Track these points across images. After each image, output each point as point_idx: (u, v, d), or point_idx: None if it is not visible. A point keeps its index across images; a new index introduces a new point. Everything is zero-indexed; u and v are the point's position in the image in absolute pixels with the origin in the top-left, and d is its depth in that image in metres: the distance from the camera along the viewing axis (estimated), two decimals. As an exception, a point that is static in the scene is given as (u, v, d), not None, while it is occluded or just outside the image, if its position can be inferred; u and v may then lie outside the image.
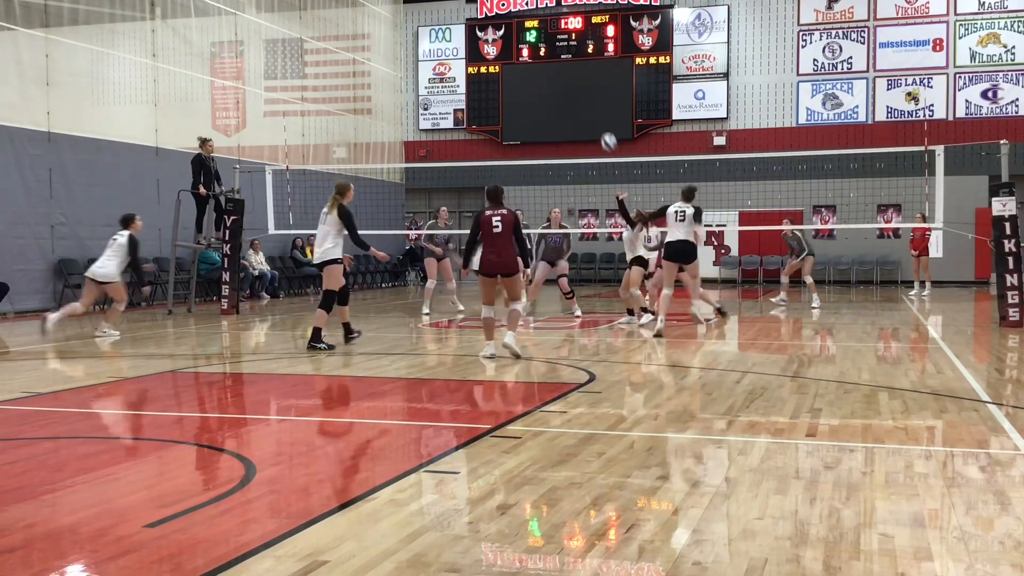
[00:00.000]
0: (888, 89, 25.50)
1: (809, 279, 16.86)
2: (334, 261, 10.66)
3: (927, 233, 18.50)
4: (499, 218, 9.58)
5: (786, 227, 17.41)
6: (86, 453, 5.68)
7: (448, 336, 12.79)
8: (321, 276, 10.99)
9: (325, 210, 10.71)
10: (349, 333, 11.13)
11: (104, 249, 12.83)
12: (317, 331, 10.65)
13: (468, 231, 10.26)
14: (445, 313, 15.51)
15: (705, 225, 12.91)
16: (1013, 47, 24.70)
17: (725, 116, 26.60)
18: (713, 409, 6.92)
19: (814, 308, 16.14)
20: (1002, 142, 13.93)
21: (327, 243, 10.65)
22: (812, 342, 12.13)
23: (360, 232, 11.11)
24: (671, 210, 12.12)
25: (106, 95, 18.74)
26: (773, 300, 17.62)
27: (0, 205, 15.31)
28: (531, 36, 27.75)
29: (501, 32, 28.04)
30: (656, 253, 13.65)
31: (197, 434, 6.44)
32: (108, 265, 12.57)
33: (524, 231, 10.44)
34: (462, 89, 28.54)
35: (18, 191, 15.64)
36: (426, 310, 15.24)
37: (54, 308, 16.15)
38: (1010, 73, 24.70)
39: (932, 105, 25.13)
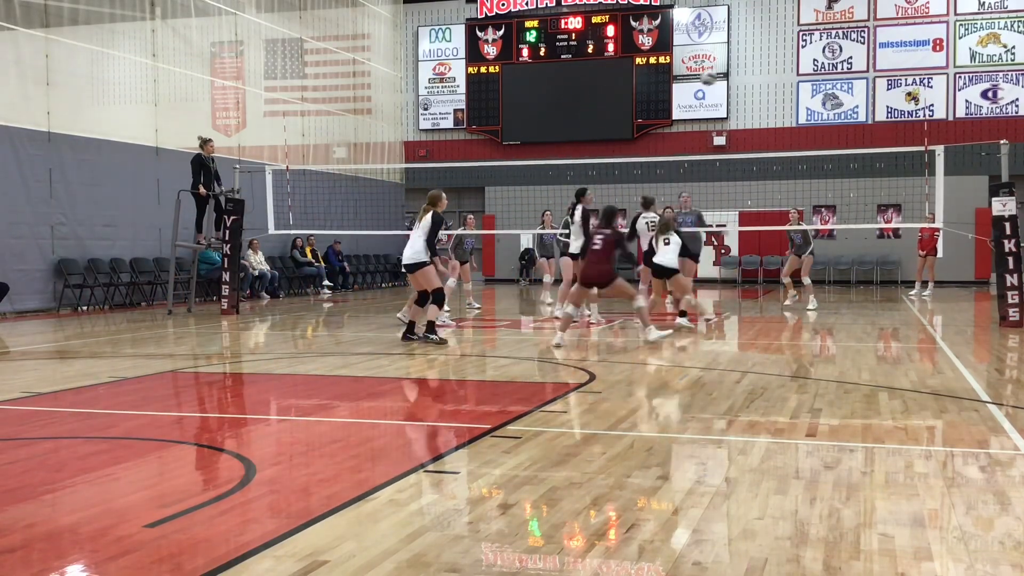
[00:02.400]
0: (888, 89, 25.50)
1: (807, 280, 16.46)
2: (423, 264, 11.14)
3: (936, 233, 18.41)
4: (601, 236, 10.78)
5: (793, 218, 16.68)
6: (86, 453, 5.68)
7: (449, 336, 12.78)
8: (406, 276, 11.79)
9: (419, 216, 11.38)
10: (410, 332, 11.46)
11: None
12: (430, 323, 11.27)
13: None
14: (460, 312, 15.52)
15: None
16: (1013, 47, 24.71)
17: (725, 116, 26.60)
18: (713, 409, 6.92)
19: (810, 310, 15.79)
20: (1002, 142, 13.93)
21: (415, 247, 11.19)
22: (812, 342, 12.13)
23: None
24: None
25: (106, 95, 18.74)
26: (787, 303, 17.01)
27: (0, 205, 15.31)
28: (531, 36, 27.76)
29: (501, 32, 28.04)
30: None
31: (197, 434, 6.44)
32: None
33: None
34: (462, 89, 28.55)
35: (18, 191, 15.64)
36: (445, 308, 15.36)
37: (54, 308, 16.19)
38: (1010, 73, 24.70)
39: (932, 105, 25.13)
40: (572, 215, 13.53)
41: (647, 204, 13.59)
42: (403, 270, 11.78)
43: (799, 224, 16.76)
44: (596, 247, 10.78)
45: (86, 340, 12.20)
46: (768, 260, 25.70)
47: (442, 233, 14.41)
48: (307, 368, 9.57)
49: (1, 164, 15.37)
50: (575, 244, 13.31)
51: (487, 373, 8.99)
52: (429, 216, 11.26)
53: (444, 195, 11.66)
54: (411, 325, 11.56)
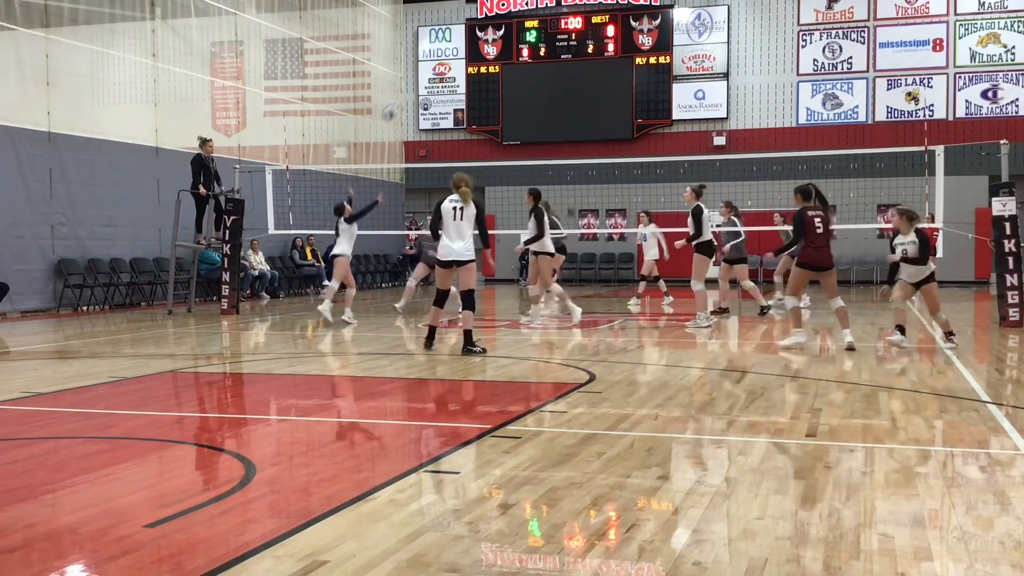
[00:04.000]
0: (888, 89, 25.50)
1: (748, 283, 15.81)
2: (473, 260, 10.18)
3: (935, 234, 18.39)
4: (821, 219, 10.52)
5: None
6: (86, 453, 5.68)
7: (448, 336, 12.78)
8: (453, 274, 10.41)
9: (458, 205, 10.06)
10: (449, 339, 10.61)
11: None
12: (468, 333, 10.17)
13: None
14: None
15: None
16: (1013, 47, 24.71)
17: (725, 116, 26.60)
18: (713, 409, 6.92)
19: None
20: (1002, 142, 13.93)
21: (467, 240, 10.09)
22: (812, 342, 12.12)
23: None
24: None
25: (106, 95, 18.74)
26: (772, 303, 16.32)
27: (0, 205, 15.30)
28: (531, 36, 27.76)
29: (501, 32, 28.04)
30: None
31: (197, 434, 6.44)
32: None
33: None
34: (462, 89, 28.54)
35: (18, 191, 15.64)
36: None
37: (54, 308, 16.20)
38: (1010, 73, 24.69)
39: (932, 105, 25.13)
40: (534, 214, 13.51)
41: (699, 194, 13.32)
42: (449, 266, 10.20)
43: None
44: (821, 230, 10.37)
45: (86, 340, 12.20)
46: (768, 260, 25.67)
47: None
48: (307, 368, 9.57)
49: (1, 164, 15.37)
50: (533, 241, 13.43)
51: (487, 373, 8.99)
52: (473, 205, 10.18)
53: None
54: (433, 331, 10.56)
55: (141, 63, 19.03)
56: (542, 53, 27.70)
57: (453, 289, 10.79)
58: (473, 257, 10.19)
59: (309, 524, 4.07)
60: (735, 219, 15.60)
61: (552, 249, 13.74)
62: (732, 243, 15.30)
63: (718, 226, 15.29)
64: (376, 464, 5.50)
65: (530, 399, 7.64)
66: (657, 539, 3.87)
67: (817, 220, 10.43)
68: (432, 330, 10.58)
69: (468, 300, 10.23)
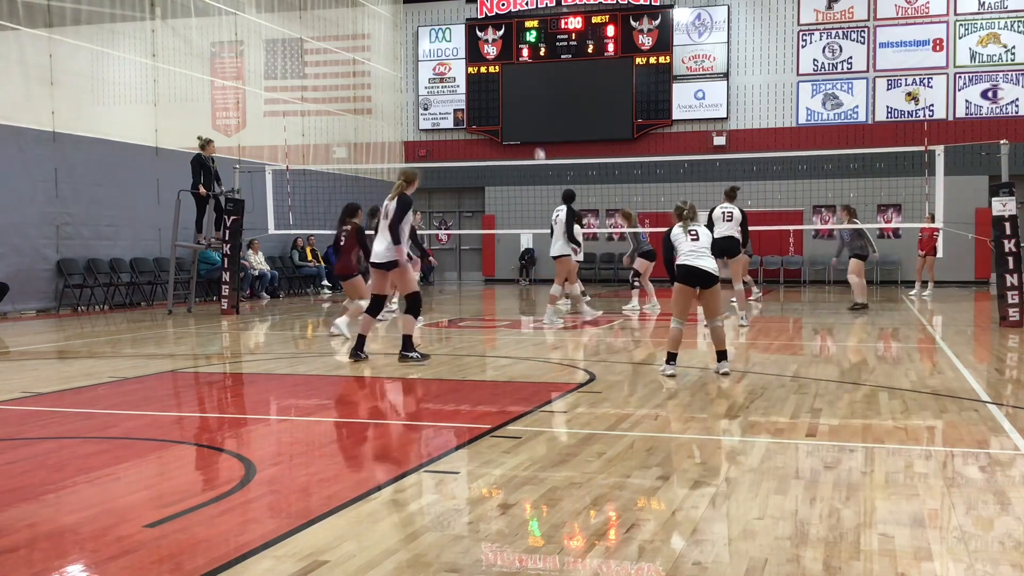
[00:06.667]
0: (888, 89, 25.49)
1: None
2: (388, 263, 9.39)
3: (935, 234, 18.43)
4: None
5: (842, 219, 16.18)
6: (86, 453, 5.68)
7: (448, 336, 12.79)
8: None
9: (387, 201, 9.38)
10: (360, 349, 9.62)
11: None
12: (361, 339, 9.63)
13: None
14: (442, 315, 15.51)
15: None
16: (1013, 47, 24.70)
17: (725, 116, 26.59)
18: (713, 409, 6.92)
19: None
20: (1002, 142, 13.93)
21: (387, 240, 9.27)
22: (812, 342, 12.13)
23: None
24: (719, 211, 13.26)
25: (106, 95, 18.74)
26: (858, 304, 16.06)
27: (6, 205, 15.27)
28: (531, 36, 27.75)
29: (501, 32, 28.04)
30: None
31: (197, 434, 6.44)
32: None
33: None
34: (462, 89, 28.54)
35: (24, 191, 15.62)
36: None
37: (54, 308, 16.19)
38: (1010, 73, 24.69)
39: (932, 105, 25.12)
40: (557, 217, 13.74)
41: (730, 196, 13.33)
42: (375, 268, 9.54)
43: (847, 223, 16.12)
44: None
45: (86, 340, 12.20)
46: (768, 260, 25.70)
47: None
48: (307, 368, 9.57)
49: (7, 164, 15.35)
50: (557, 246, 13.68)
51: (487, 373, 8.99)
52: (396, 200, 9.26)
53: (418, 176, 9.59)
54: (361, 340, 9.60)
55: (141, 63, 19.03)
56: (542, 53, 27.70)
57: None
58: (390, 258, 9.27)
59: (309, 524, 4.08)
60: (856, 220, 16.24)
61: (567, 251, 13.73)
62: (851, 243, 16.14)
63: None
64: (376, 464, 5.51)
65: (530, 399, 7.64)
66: (657, 539, 3.87)
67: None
68: (361, 339, 9.58)
69: (375, 305, 9.56)
